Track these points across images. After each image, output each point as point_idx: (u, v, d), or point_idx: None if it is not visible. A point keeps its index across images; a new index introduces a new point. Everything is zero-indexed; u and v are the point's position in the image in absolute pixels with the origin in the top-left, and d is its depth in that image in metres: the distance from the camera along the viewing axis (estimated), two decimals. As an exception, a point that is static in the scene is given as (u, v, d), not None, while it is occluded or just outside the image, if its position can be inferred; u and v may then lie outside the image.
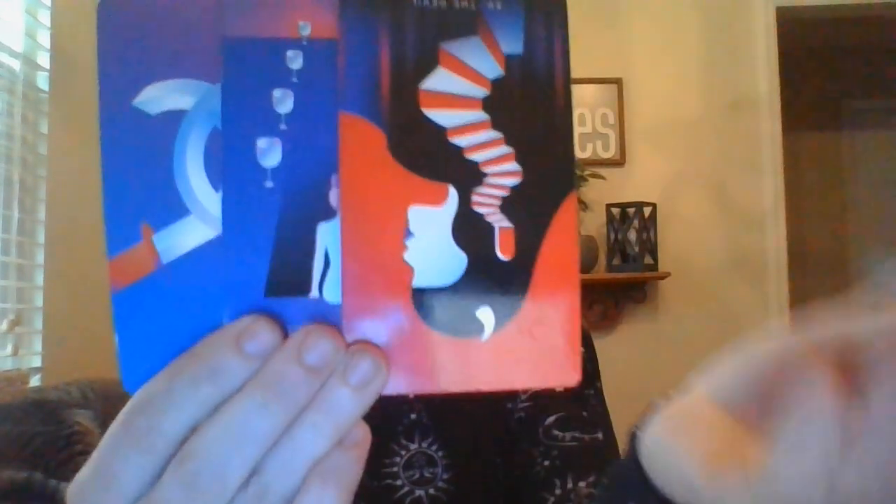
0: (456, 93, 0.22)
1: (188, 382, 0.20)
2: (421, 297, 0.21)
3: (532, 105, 0.23)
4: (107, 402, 1.45)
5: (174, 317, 0.21)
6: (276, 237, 0.21)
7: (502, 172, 0.22)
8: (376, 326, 0.21)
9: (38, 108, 1.73)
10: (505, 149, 0.22)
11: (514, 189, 0.22)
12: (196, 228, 0.21)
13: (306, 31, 0.22)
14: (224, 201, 0.21)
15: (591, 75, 2.62)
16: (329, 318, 0.21)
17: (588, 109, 2.62)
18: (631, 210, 2.46)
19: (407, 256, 0.21)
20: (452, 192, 0.22)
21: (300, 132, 0.22)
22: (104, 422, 1.40)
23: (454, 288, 0.22)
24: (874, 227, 4.17)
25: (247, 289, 0.21)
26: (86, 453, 1.35)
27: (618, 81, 2.63)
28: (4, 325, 1.59)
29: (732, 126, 2.64)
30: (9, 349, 1.61)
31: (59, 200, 1.76)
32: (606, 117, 2.62)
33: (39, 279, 1.71)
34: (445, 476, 0.57)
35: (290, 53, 0.22)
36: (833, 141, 4.23)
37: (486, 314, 0.22)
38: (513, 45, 0.23)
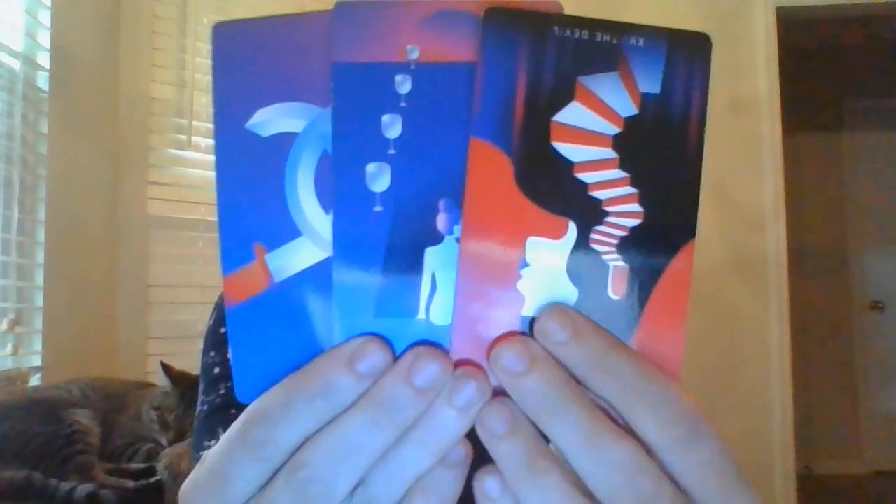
0: (588, 128, 0.22)
1: (304, 398, 0.21)
2: (529, 326, 0.22)
3: (662, 148, 0.22)
4: (107, 402, 1.46)
5: (285, 333, 0.22)
6: (384, 260, 0.22)
7: (624, 213, 0.22)
8: (483, 349, 0.22)
9: (38, 108, 1.73)
10: (630, 189, 0.22)
11: (634, 230, 0.22)
12: (307, 249, 0.22)
13: (414, 56, 0.22)
14: (335, 224, 0.22)
15: (591, 75, 2.61)
16: (436, 340, 0.22)
17: (588, 109, 2.62)
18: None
19: (520, 285, 0.22)
20: (572, 228, 0.22)
21: (409, 156, 0.22)
22: (104, 421, 1.40)
23: None
24: (874, 227, 4.18)
25: (357, 309, 0.22)
26: (86, 452, 1.35)
27: (618, 81, 2.62)
28: (4, 325, 1.59)
29: (732, 126, 2.64)
30: (9, 349, 1.61)
31: (59, 200, 1.76)
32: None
33: (39, 279, 1.71)
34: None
35: (398, 78, 0.22)
36: (833, 141, 4.24)
37: None
38: (650, 84, 0.22)
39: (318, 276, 0.22)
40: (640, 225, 0.22)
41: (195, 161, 2.10)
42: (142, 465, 1.37)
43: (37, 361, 1.68)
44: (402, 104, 0.22)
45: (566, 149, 0.22)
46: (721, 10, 2.68)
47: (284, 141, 0.22)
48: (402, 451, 0.21)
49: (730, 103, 2.65)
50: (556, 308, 0.21)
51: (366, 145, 0.22)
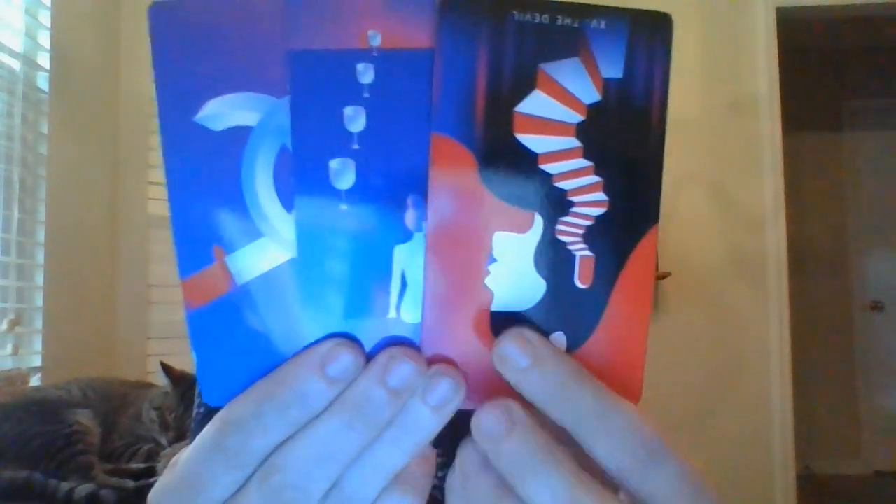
0: (551, 118, 0.21)
1: (276, 406, 0.20)
2: (499, 320, 0.22)
3: (625, 134, 0.22)
4: (107, 402, 1.45)
5: (251, 337, 0.21)
6: (352, 259, 0.21)
7: (589, 202, 0.22)
8: (453, 346, 0.21)
9: (38, 109, 1.73)
10: (594, 178, 0.22)
11: (599, 219, 0.22)
12: (270, 250, 0.21)
13: (376, 42, 0.21)
14: (297, 225, 0.21)
15: (591, 75, 2.61)
16: (407, 338, 0.21)
17: (588, 109, 2.62)
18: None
19: (488, 281, 0.21)
20: (538, 220, 0.22)
21: (374, 151, 0.21)
22: (104, 421, 1.40)
23: (530, 313, 0.22)
24: (874, 227, 4.18)
25: (325, 311, 0.21)
26: (86, 453, 1.35)
27: (618, 81, 2.62)
28: (4, 325, 1.59)
29: (732, 126, 2.64)
30: (9, 349, 1.61)
31: (59, 200, 1.76)
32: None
33: (39, 279, 1.71)
34: (440, 474, 0.58)
35: (360, 67, 0.21)
36: (833, 141, 4.23)
37: (559, 339, 0.22)
38: (613, 68, 0.21)
39: (283, 277, 0.21)
40: (604, 213, 0.22)
41: (195, 161, 2.10)
42: (142, 466, 1.37)
43: (37, 362, 1.68)
44: (365, 95, 0.21)
45: (530, 140, 0.21)
46: (721, 10, 2.68)
47: (239, 135, 0.21)
48: (377, 451, 0.21)
49: (730, 103, 2.65)
50: (516, 333, 0.21)
51: (328, 140, 0.21)
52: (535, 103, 0.21)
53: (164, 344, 1.97)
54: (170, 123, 0.21)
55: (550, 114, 0.21)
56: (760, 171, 2.63)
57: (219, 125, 0.21)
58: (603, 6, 0.22)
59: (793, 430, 2.58)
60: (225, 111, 0.21)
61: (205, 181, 0.21)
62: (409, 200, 0.21)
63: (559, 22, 0.21)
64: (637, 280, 0.22)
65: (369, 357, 0.21)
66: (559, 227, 0.22)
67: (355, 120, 0.21)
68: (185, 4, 0.21)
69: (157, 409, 1.43)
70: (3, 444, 1.24)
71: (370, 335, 0.21)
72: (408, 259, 0.21)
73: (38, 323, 1.70)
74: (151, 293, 2.02)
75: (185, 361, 1.54)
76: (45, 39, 1.74)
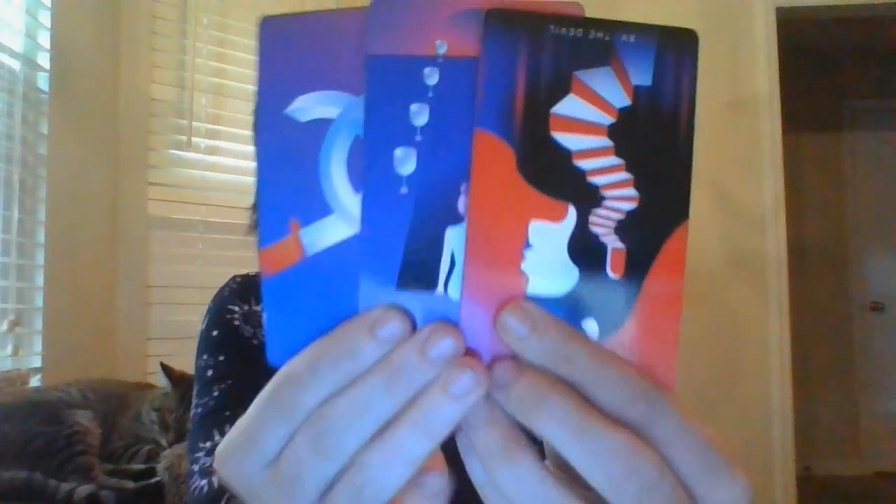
0: (584, 119, 0.24)
1: (329, 362, 0.22)
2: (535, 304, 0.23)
3: (654, 135, 0.24)
4: (107, 402, 1.45)
5: (315, 302, 0.24)
6: (407, 237, 0.24)
7: (620, 197, 0.24)
8: (488, 326, 0.23)
9: (38, 109, 1.73)
10: (625, 175, 0.24)
11: (630, 213, 0.24)
12: (338, 226, 0.24)
13: (442, 50, 0.24)
14: (364, 203, 0.24)
15: (591, 75, 2.61)
16: (451, 313, 0.23)
17: (588, 109, 2.62)
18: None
19: (524, 266, 0.23)
20: (572, 211, 0.23)
21: (434, 143, 0.24)
22: (104, 422, 1.40)
23: (564, 299, 0.23)
24: (874, 227, 4.18)
25: (381, 282, 0.23)
26: (86, 453, 1.35)
27: (618, 81, 2.62)
28: (4, 325, 1.59)
29: (732, 126, 2.64)
30: (9, 349, 1.61)
31: (59, 200, 1.76)
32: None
33: (39, 279, 1.71)
34: None
35: (426, 70, 0.24)
36: (833, 141, 4.24)
37: (591, 326, 0.23)
38: (642, 76, 0.24)
39: (347, 250, 0.24)
40: (635, 208, 0.24)
41: (195, 162, 2.10)
42: (142, 466, 1.37)
43: (37, 362, 1.68)
44: (430, 95, 0.24)
45: (564, 138, 0.23)
46: (721, 10, 2.68)
47: (320, 126, 0.24)
48: (398, 429, 0.22)
49: (730, 103, 2.65)
50: (515, 304, 0.23)
51: (395, 132, 0.24)
52: (570, 106, 0.24)
53: (164, 344, 1.97)
54: (265, 115, 0.24)
55: (584, 115, 0.24)
56: (760, 171, 2.63)
57: (305, 117, 0.24)
58: (633, 22, 0.24)
59: (793, 430, 2.58)
60: (311, 105, 0.24)
61: (288, 164, 0.24)
62: (462, 188, 0.24)
63: (592, 36, 0.24)
64: (668, 273, 0.24)
65: (417, 329, 0.23)
66: (592, 218, 0.23)
67: (419, 115, 0.24)
68: (288, 19, 0.25)
69: (157, 409, 1.43)
70: (3, 445, 1.24)
71: (420, 307, 0.23)
72: (458, 241, 0.24)
73: (38, 323, 1.70)
74: (151, 294, 2.02)
75: (185, 362, 1.54)
76: (45, 39, 1.74)
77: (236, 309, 0.70)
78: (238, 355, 0.67)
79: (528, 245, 0.23)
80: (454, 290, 0.23)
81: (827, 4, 2.71)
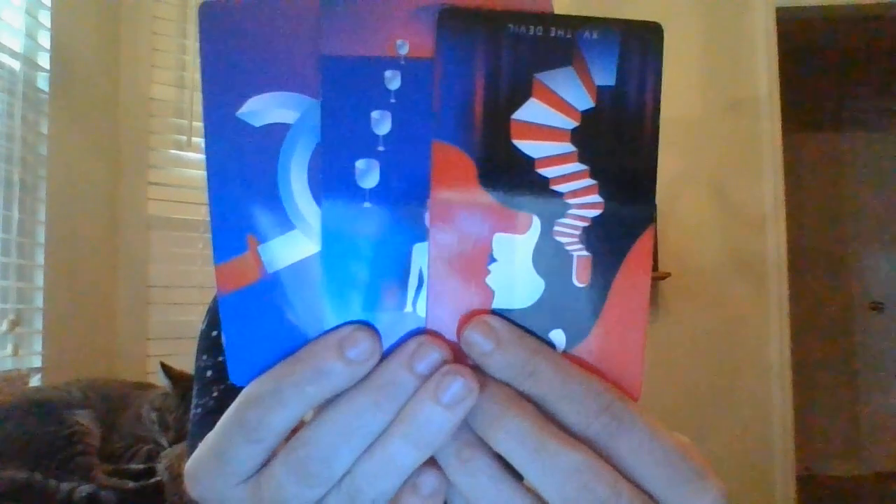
0: (546, 124, 0.22)
1: (294, 383, 0.21)
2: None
3: (619, 138, 0.23)
4: (107, 402, 1.45)
5: (278, 321, 0.22)
6: (373, 255, 0.22)
7: (585, 204, 0.23)
8: (455, 342, 0.22)
9: (38, 109, 1.73)
10: (589, 181, 0.23)
11: (595, 220, 0.23)
12: (300, 242, 0.22)
13: (404, 51, 0.22)
14: (324, 220, 0.22)
15: (591, 75, 2.61)
16: (421, 332, 0.22)
17: (588, 109, 2.62)
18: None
19: (489, 280, 0.22)
20: (536, 222, 0.23)
21: (398, 154, 0.22)
22: (104, 421, 1.40)
23: (530, 310, 0.23)
24: (874, 227, 4.18)
25: (347, 302, 0.22)
26: (86, 453, 1.35)
27: (618, 81, 2.62)
28: (4, 325, 1.59)
29: (732, 126, 2.64)
30: (9, 349, 1.61)
31: (59, 201, 1.76)
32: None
33: (39, 279, 1.71)
34: None
35: (387, 73, 0.22)
36: (833, 141, 4.23)
37: (558, 336, 0.23)
38: (606, 76, 0.23)
39: (310, 268, 0.22)
40: (600, 215, 0.23)
41: (195, 161, 2.10)
42: (142, 466, 1.37)
43: (37, 362, 1.68)
44: (392, 100, 0.22)
45: (527, 146, 0.22)
46: (721, 10, 2.68)
47: (277, 131, 0.22)
48: (388, 443, 0.21)
49: (730, 103, 2.65)
50: (479, 320, 0.22)
51: (355, 141, 0.22)
52: (532, 111, 0.22)
53: (164, 345, 1.97)
54: (213, 117, 0.22)
55: (546, 120, 0.22)
56: (760, 171, 2.63)
57: (259, 121, 0.22)
58: (595, 17, 0.23)
59: (793, 430, 2.58)
60: (265, 108, 0.22)
61: (243, 173, 0.22)
62: (429, 202, 0.22)
63: (553, 33, 0.22)
64: (633, 279, 0.23)
65: (388, 349, 0.22)
66: (557, 227, 0.23)
67: (381, 123, 0.22)
68: (236, 6, 0.22)
69: (157, 409, 1.43)
70: (3, 445, 1.24)
71: (388, 328, 0.22)
72: (425, 257, 0.22)
73: (38, 323, 1.70)
74: (151, 294, 2.02)
75: (186, 362, 1.54)
76: (45, 39, 1.74)
77: None
78: None
79: (492, 259, 0.22)
80: (423, 309, 0.22)
81: (827, 4, 2.71)
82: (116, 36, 1.99)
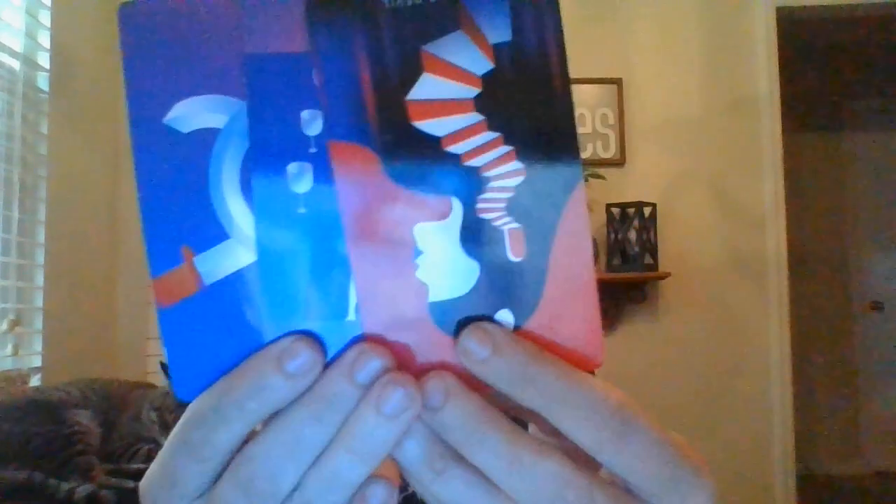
0: (445, 97, 0.21)
1: (235, 399, 0.21)
2: (439, 310, 0.21)
3: (528, 96, 0.21)
4: (107, 402, 1.45)
5: (218, 335, 0.22)
6: (311, 262, 0.21)
7: (504, 173, 0.21)
8: (397, 345, 0.21)
9: (38, 109, 1.73)
10: (504, 148, 0.21)
11: (519, 188, 0.21)
12: (236, 252, 0.21)
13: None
14: (257, 228, 0.21)
15: (591, 75, 2.62)
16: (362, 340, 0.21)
17: (588, 109, 2.62)
18: (631, 210, 2.46)
19: (419, 274, 0.21)
20: (456, 203, 0.21)
21: (327, 155, 0.21)
22: (104, 421, 1.40)
23: (470, 296, 0.21)
24: (874, 227, 4.18)
25: (286, 312, 0.21)
26: (86, 453, 1.35)
27: (618, 81, 2.63)
28: (4, 325, 1.59)
29: (732, 126, 2.64)
30: (9, 349, 1.61)
31: (59, 200, 1.76)
32: (606, 117, 2.63)
33: (39, 279, 1.71)
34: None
35: (315, 70, 0.21)
36: (833, 141, 4.24)
37: (505, 316, 0.22)
38: (500, 32, 0.21)
39: (248, 278, 0.21)
40: (523, 181, 0.21)
41: (195, 161, 2.10)
42: (142, 466, 1.37)
43: (37, 362, 1.68)
44: (319, 98, 0.21)
45: (429, 125, 0.21)
46: (721, 11, 2.68)
47: (206, 137, 0.21)
48: (333, 456, 0.21)
49: (730, 103, 2.65)
50: (475, 326, 0.21)
51: (285, 143, 0.21)
52: (426, 87, 0.21)
53: (164, 344, 1.97)
54: (139, 124, 0.21)
55: (444, 94, 0.21)
56: (760, 171, 2.63)
57: (187, 127, 0.21)
58: None
59: (793, 430, 2.58)
60: (193, 113, 0.21)
61: (173, 182, 0.21)
62: (339, 206, 0.21)
63: (430, 2, 0.21)
64: (572, 241, 0.21)
65: (332, 360, 0.21)
66: (480, 205, 0.21)
67: (312, 124, 0.21)
68: (152, 6, 0.21)
69: (157, 409, 1.43)
70: (3, 444, 1.24)
71: (330, 337, 0.21)
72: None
73: (38, 323, 1.70)
74: (151, 294, 2.02)
75: (185, 362, 1.54)
76: (45, 39, 1.74)
77: None
78: None
79: (418, 251, 0.21)
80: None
81: (827, 4, 2.71)
82: (116, 36, 1.99)
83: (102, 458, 1.35)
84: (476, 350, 0.21)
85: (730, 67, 2.67)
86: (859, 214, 4.18)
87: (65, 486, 1.18)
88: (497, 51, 0.21)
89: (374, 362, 0.21)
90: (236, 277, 0.21)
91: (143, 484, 0.23)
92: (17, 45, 1.66)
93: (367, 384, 0.21)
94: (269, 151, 0.21)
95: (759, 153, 2.63)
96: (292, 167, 0.21)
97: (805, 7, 2.70)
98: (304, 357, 0.21)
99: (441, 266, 0.21)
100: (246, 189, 0.21)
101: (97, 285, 1.91)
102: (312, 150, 0.21)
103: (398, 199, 0.21)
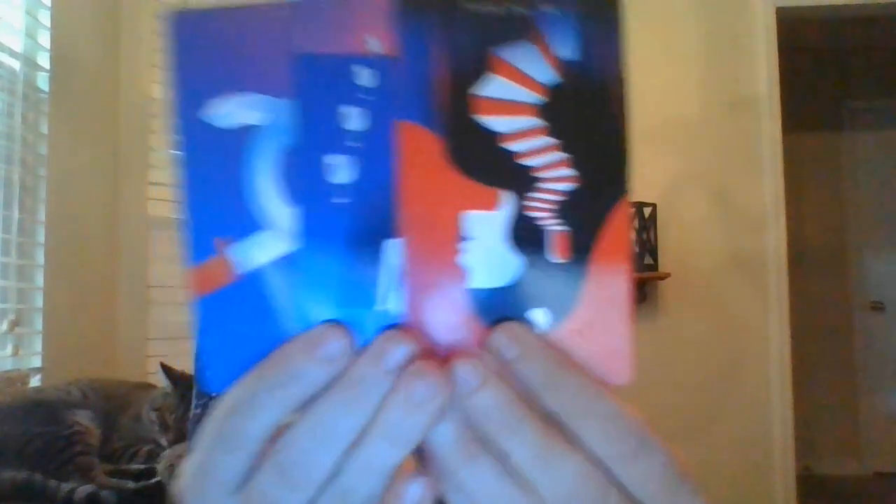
0: (510, 99, 0.23)
1: (267, 388, 0.22)
2: (477, 298, 0.22)
3: (588, 111, 0.23)
4: (107, 403, 1.45)
5: (251, 325, 0.22)
6: (345, 252, 0.22)
7: (557, 178, 0.23)
8: (437, 326, 0.22)
9: (38, 109, 1.73)
10: (560, 155, 0.23)
11: (568, 193, 0.23)
12: (270, 243, 0.22)
13: (374, 47, 0.22)
14: (298, 216, 0.22)
15: (591, 75, 2.61)
16: (393, 327, 0.22)
17: (588, 109, 2.62)
18: (631, 210, 2.46)
19: (462, 259, 0.22)
20: (507, 197, 0.22)
21: (369, 149, 0.22)
22: (104, 421, 1.40)
23: (509, 289, 0.22)
24: (874, 227, 4.18)
25: (319, 300, 0.22)
26: (86, 453, 1.35)
27: (618, 81, 2.62)
28: (4, 326, 1.59)
29: (732, 126, 2.64)
30: (9, 349, 1.61)
31: (59, 200, 1.76)
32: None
33: (39, 279, 1.71)
34: None
35: (358, 70, 0.22)
36: (833, 141, 4.24)
37: (540, 315, 0.23)
38: (568, 49, 0.23)
39: (281, 268, 0.22)
40: (574, 188, 0.23)
41: (195, 161, 2.10)
42: (142, 466, 1.37)
43: (37, 362, 1.68)
44: (363, 96, 0.22)
45: (490, 121, 0.22)
46: (721, 11, 2.68)
47: (244, 133, 0.22)
48: (368, 442, 0.22)
49: (730, 103, 2.65)
50: (506, 326, 0.22)
51: (327, 137, 0.22)
52: (493, 86, 0.23)
53: (164, 345, 1.97)
54: (182, 121, 0.22)
55: (509, 95, 0.23)
56: (760, 171, 2.63)
57: (227, 123, 0.22)
58: None
59: (793, 430, 2.58)
60: (233, 110, 0.22)
61: (211, 176, 0.22)
62: (399, 181, 0.22)
63: (507, 10, 0.23)
64: (613, 251, 0.23)
65: (363, 347, 0.22)
66: (528, 202, 0.22)
67: (353, 119, 0.22)
68: (202, 13, 0.23)
69: (158, 409, 1.43)
70: (3, 445, 1.24)
71: (361, 325, 0.22)
72: (397, 252, 0.22)
73: (38, 323, 1.70)
74: (151, 293, 2.02)
75: (186, 362, 1.54)
76: (45, 39, 1.74)
77: None
78: None
79: (464, 237, 0.22)
80: (394, 305, 0.22)
81: (827, 4, 2.71)
82: (116, 35, 1.99)
83: (102, 458, 1.35)
84: (506, 349, 0.22)
85: (729, 67, 2.67)
86: (859, 214, 4.18)
87: (65, 486, 1.18)
88: (566, 66, 0.23)
89: (400, 349, 0.21)
90: (270, 267, 0.22)
91: (181, 482, 0.23)
92: (17, 45, 1.66)
93: (394, 370, 0.21)
94: (312, 143, 0.22)
95: (759, 153, 2.63)
96: (332, 159, 0.22)
97: (805, 7, 2.70)
98: (334, 344, 0.21)
99: (484, 255, 0.22)
100: (281, 183, 0.22)
101: (97, 285, 1.91)
102: (353, 144, 0.22)
103: (453, 182, 0.22)
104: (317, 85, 0.22)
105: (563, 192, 0.23)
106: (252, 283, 0.22)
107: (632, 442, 0.22)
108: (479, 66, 0.22)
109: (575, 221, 0.23)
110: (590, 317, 0.22)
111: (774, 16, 2.65)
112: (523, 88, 0.23)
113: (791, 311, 2.63)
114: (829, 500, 3.61)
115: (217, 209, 0.22)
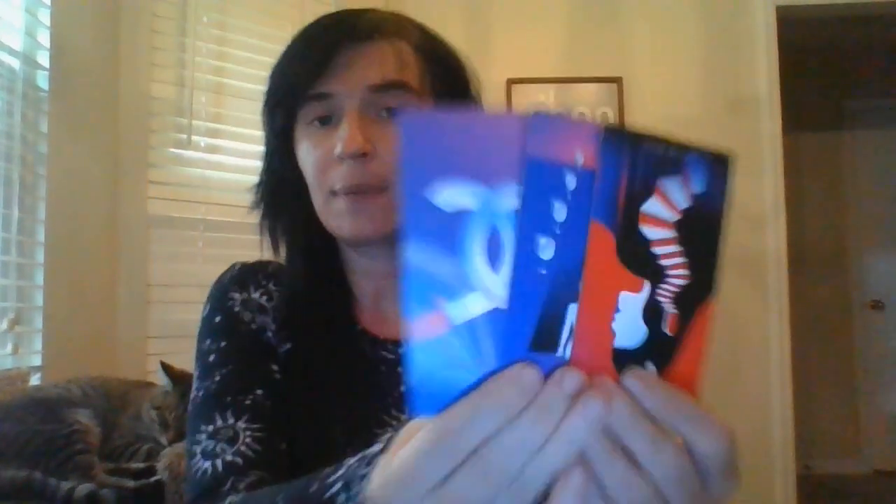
0: (661, 216, 0.31)
1: (488, 411, 0.29)
2: (617, 352, 0.31)
3: (703, 230, 0.32)
4: (107, 401, 1.45)
5: (459, 363, 0.29)
6: (542, 310, 0.30)
7: (678, 275, 0.32)
8: (591, 369, 0.30)
9: (38, 108, 1.73)
10: (682, 259, 0.32)
11: (682, 287, 0.32)
12: (479, 301, 0.29)
13: (580, 161, 0.30)
14: (511, 280, 0.29)
15: (591, 74, 2.62)
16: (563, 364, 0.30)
17: (588, 109, 2.62)
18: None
19: (614, 326, 0.31)
20: (647, 285, 0.31)
21: (566, 236, 0.30)
22: (104, 420, 1.40)
23: (637, 349, 0.31)
24: (874, 227, 4.18)
25: (517, 344, 0.30)
26: (86, 452, 1.34)
27: (618, 81, 2.63)
28: (4, 325, 1.59)
29: (732, 126, 2.64)
30: (9, 348, 1.61)
31: (59, 200, 1.76)
32: (606, 117, 2.63)
33: (39, 279, 1.71)
34: None
35: (568, 176, 0.30)
36: (833, 141, 4.24)
37: (650, 366, 0.32)
38: (698, 185, 0.32)
39: (487, 321, 0.29)
40: (686, 284, 0.32)
41: (195, 160, 2.10)
42: (142, 465, 1.37)
43: (37, 361, 1.68)
44: (568, 196, 0.30)
45: (647, 231, 0.31)
46: (721, 10, 2.68)
47: (462, 215, 0.29)
48: (551, 447, 0.29)
49: (730, 103, 2.65)
50: (633, 371, 0.31)
51: (541, 223, 0.29)
52: (652, 205, 0.31)
53: (164, 343, 1.97)
54: (411, 202, 0.29)
55: (660, 213, 0.31)
56: (760, 171, 2.63)
57: (449, 206, 0.29)
58: (696, 146, 0.32)
59: (793, 430, 2.58)
60: (454, 196, 0.29)
61: (435, 248, 0.29)
62: (584, 271, 0.30)
63: (671, 153, 0.31)
64: (699, 332, 0.32)
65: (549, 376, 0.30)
66: (658, 290, 0.31)
67: (560, 212, 0.30)
68: (431, 117, 0.30)
69: (157, 408, 1.43)
70: (3, 444, 1.24)
71: (545, 364, 0.29)
72: (575, 314, 0.30)
73: (38, 322, 1.70)
74: (151, 293, 2.02)
75: (186, 361, 1.54)
76: (44, 38, 1.74)
77: (236, 296, 0.73)
78: (239, 342, 0.69)
79: (618, 310, 0.31)
80: (568, 352, 0.30)
81: (827, 4, 2.71)
82: (116, 34, 1.99)
83: (102, 457, 1.35)
84: (632, 386, 0.30)
85: (729, 67, 2.67)
86: (859, 214, 4.18)
87: (64, 484, 1.18)
88: (694, 196, 0.32)
89: (576, 378, 0.29)
90: (478, 320, 0.29)
91: (383, 479, 0.31)
92: (17, 43, 1.66)
93: (572, 394, 0.29)
94: (530, 226, 0.29)
95: (759, 153, 2.63)
96: (542, 240, 0.29)
97: (805, 7, 2.70)
98: (534, 378, 0.29)
99: (627, 324, 0.31)
100: (490, 256, 0.29)
101: (97, 285, 1.91)
102: (557, 230, 0.30)
103: (618, 271, 0.31)
104: (540, 181, 0.29)
105: (680, 286, 0.32)
106: (463, 332, 0.29)
107: (720, 446, 0.31)
108: (647, 190, 0.31)
109: (682, 307, 0.32)
110: (679, 370, 0.32)
111: (774, 16, 2.65)
112: (669, 210, 0.31)
113: (791, 310, 2.63)
114: (829, 500, 3.61)
115: (440, 274, 0.29)
